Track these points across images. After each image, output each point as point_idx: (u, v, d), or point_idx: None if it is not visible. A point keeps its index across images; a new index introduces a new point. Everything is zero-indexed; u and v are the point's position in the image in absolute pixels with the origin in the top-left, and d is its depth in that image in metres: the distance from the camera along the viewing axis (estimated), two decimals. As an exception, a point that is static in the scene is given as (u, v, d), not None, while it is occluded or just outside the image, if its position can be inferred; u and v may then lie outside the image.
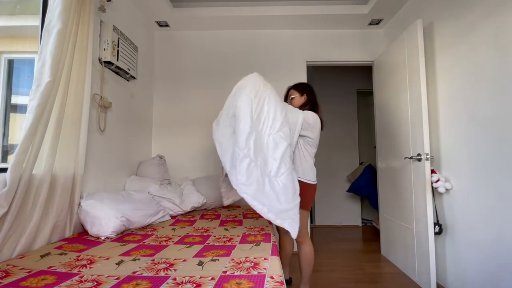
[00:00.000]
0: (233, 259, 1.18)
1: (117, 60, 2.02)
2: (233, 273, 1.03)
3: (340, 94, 4.04)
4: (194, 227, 1.82)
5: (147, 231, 1.70)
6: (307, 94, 1.85)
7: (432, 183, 1.93)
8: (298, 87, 1.89)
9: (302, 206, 1.65)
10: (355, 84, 4.10)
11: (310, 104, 1.82)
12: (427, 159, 1.94)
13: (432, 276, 1.86)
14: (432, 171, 1.95)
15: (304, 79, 2.92)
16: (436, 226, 1.92)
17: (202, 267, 1.10)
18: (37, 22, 1.54)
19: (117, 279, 0.98)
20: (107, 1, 1.95)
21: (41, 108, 1.27)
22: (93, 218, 1.54)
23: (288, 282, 2.08)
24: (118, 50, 2.02)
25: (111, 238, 1.52)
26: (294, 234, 1.41)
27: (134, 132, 2.48)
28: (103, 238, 1.51)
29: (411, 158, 2.10)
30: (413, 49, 2.10)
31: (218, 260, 1.18)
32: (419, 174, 2.03)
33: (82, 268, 1.09)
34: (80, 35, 1.58)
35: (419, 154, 2.01)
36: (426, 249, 1.92)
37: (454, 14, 1.87)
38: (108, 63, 1.96)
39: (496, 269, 1.54)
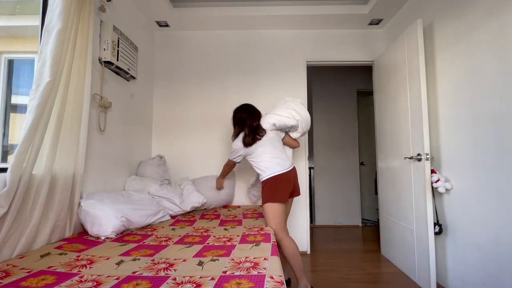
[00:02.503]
0: (233, 259, 1.18)
1: (117, 60, 2.02)
2: (233, 273, 1.03)
3: (340, 94, 4.05)
4: (194, 227, 1.82)
5: (147, 231, 1.70)
6: (233, 122, 2.12)
7: (432, 183, 1.93)
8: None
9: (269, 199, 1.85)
10: (355, 84, 4.10)
11: (237, 127, 2.07)
12: (427, 159, 1.94)
13: (432, 276, 1.86)
14: (432, 171, 1.95)
15: (304, 79, 2.92)
16: (436, 226, 1.92)
17: (202, 267, 1.10)
18: (37, 22, 1.54)
19: (117, 279, 0.98)
20: (107, 1, 1.95)
21: (41, 108, 1.27)
22: (93, 218, 1.54)
23: (287, 283, 2.08)
24: (118, 50, 2.02)
25: (111, 238, 1.52)
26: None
27: (134, 132, 2.48)
28: (103, 238, 1.51)
29: (411, 158, 2.10)
30: (413, 49, 2.10)
31: (218, 260, 1.18)
32: (419, 174, 2.03)
33: (82, 268, 1.09)
34: (80, 35, 1.58)
35: (419, 154, 2.01)
36: (426, 249, 1.92)
37: (454, 14, 1.87)
38: (108, 63, 1.96)
39: (496, 269, 1.54)
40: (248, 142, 1.95)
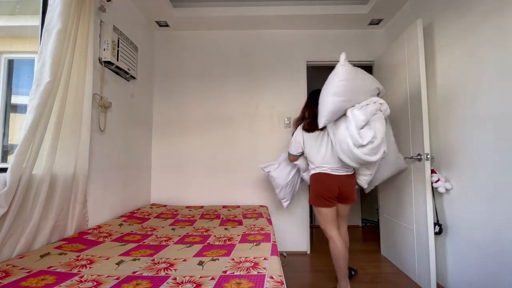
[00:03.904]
0: (233, 259, 1.18)
1: (117, 60, 2.02)
2: (233, 273, 1.03)
3: (340, 94, 4.04)
4: (194, 227, 1.82)
5: (146, 231, 1.70)
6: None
7: (432, 183, 1.93)
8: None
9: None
10: (355, 84, 4.09)
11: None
12: (427, 159, 1.94)
13: (432, 276, 1.86)
14: (432, 171, 1.95)
15: (304, 79, 2.92)
16: (436, 226, 1.92)
17: (202, 266, 1.10)
18: (37, 22, 1.54)
19: (117, 279, 0.98)
20: (107, 1, 1.95)
21: (41, 108, 1.27)
22: None
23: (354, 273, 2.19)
24: (118, 50, 2.02)
25: (111, 238, 1.52)
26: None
27: (134, 132, 2.48)
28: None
29: (411, 158, 2.09)
30: (413, 49, 2.10)
31: (218, 260, 1.18)
32: (419, 174, 2.03)
33: (82, 268, 1.09)
34: (80, 35, 1.58)
35: (419, 154, 2.01)
36: (426, 249, 1.92)
37: (454, 14, 1.87)
38: (108, 63, 1.96)
39: (496, 269, 1.54)
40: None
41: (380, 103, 1.70)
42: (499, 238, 1.52)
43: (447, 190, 1.90)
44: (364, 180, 1.95)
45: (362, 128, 1.62)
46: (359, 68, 1.74)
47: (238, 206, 2.60)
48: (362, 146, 1.60)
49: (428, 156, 1.94)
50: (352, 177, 1.89)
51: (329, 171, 1.85)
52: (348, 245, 2.01)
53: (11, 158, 1.39)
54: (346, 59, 1.67)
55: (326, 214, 1.88)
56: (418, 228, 2.05)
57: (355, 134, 1.60)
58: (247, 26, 2.91)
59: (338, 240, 1.85)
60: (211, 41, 2.98)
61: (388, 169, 2.07)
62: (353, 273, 2.16)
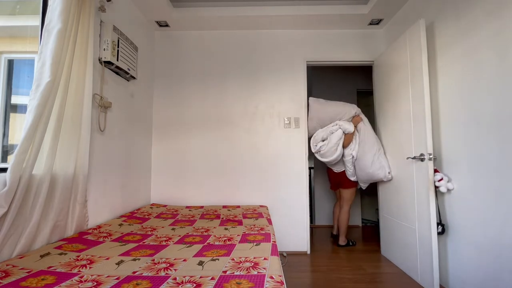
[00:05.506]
0: (233, 259, 1.18)
1: (117, 60, 2.01)
2: (233, 273, 1.03)
3: (340, 94, 4.04)
4: (194, 227, 1.82)
5: (146, 231, 1.70)
6: None
7: (434, 182, 1.92)
8: None
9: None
10: (355, 84, 4.10)
11: None
12: (430, 159, 1.93)
13: (436, 276, 1.85)
14: (435, 171, 1.95)
15: (304, 79, 2.92)
16: (439, 226, 1.92)
17: (202, 266, 1.10)
18: (37, 22, 1.54)
19: (117, 279, 0.98)
20: (107, 1, 1.95)
21: (41, 108, 1.27)
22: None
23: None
24: (118, 50, 2.02)
25: (111, 238, 1.51)
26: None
27: (134, 132, 2.48)
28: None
29: (414, 158, 2.09)
30: (415, 49, 2.09)
31: (218, 260, 1.17)
32: (421, 174, 2.02)
33: (82, 268, 1.09)
34: (80, 35, 1.58)
35: (422, 154, 2.01)
36: (428, 249, 1.92)
37: (455, 14, 1.87)
38: (108, 63, 1.96)
39: (497, 269, 1.54)
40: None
41: (337, 124, 2.68)
42: (500, 238, 1.52)
43: (448, 190, 1.89)
44: (347, 174, 2.83)
45: (322, 141, 2.75)
46: (327, 102, 2.81)
47: (238, 206, 2.60)
48: (317, 152, 2.78)
49: (431, 156, 1.93)
50: (341, 173, 2.88)
51: (330, 167, 2.96)
52: (344, 220, 2.91)
53: (11, 158, 1.38)
54: (313, 98, 2.85)
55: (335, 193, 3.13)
56: (420, 228, 2.04)
57: (311, 144, 2.82)
58: (247, 26, 2.91)
59: (336, 208, 3.12)
60: (211, 41, 2.98)
61: (363, 173, 2.67)
62: (350, 243, 2.95)
